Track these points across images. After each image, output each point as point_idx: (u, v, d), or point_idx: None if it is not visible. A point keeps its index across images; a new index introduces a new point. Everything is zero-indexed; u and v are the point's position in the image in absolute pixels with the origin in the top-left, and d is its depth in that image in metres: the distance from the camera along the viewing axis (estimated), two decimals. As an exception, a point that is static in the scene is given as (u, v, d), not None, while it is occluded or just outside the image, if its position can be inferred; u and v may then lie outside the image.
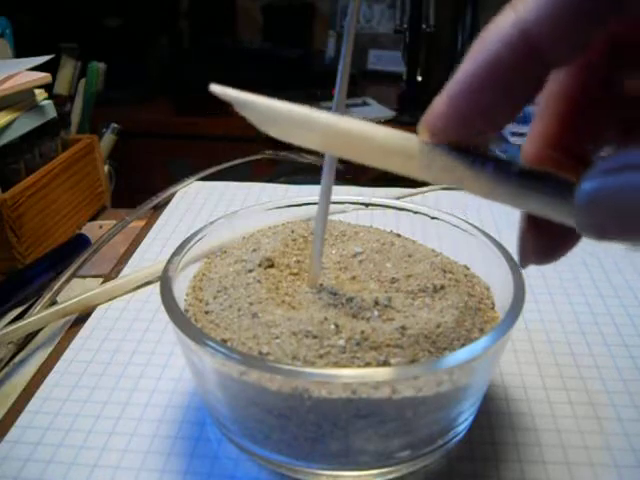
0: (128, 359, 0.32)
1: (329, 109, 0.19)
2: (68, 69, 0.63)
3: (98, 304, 0.37)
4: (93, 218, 0.53)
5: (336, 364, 0.22)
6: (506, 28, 0.15)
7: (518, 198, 0.16)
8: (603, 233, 0.15)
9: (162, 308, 0.24)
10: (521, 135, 0.86)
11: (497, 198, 0.17)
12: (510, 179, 0.16)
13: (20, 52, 0.57)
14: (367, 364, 0.22)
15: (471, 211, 0.47)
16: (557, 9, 0.14)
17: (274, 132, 0.17)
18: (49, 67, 0.48)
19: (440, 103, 0.16)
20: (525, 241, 0.19)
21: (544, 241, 0.19)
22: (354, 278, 0.27)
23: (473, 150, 0.17)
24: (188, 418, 0.28)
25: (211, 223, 0.31)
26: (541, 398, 0.29)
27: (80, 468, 0.26)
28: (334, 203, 0.28)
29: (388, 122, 1.19)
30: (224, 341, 0.23)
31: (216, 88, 0.17)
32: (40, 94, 0.47)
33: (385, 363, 0.22)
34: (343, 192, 0.33)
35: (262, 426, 0.23)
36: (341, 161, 0.21)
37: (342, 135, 0.17)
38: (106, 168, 0.61)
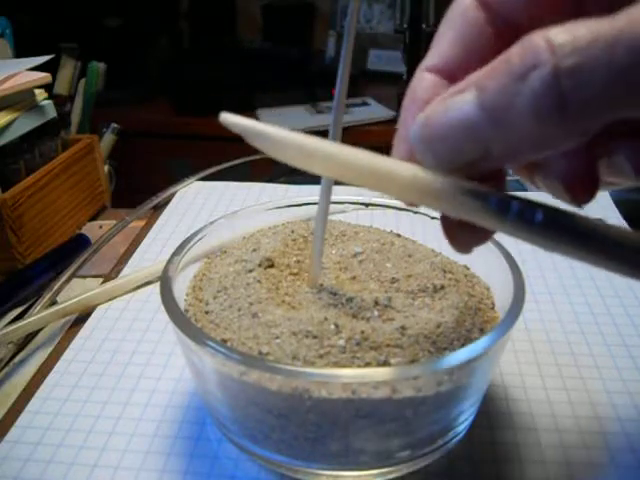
0: (128, 359, 0.32)
1: (329, 109, 0.20)
2: (68, 69, 0.63)
3: (98, 304, 0.37)
4: (93, 218, 0.53)
5: (336, 364, 0.22)
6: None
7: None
8: (437, 157, 0.15)
9: (162, 308, 0.24)
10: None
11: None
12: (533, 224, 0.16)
13: (20, 52, 0.57)
14: (367, 364, 0.22)
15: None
16: None
17: (288, 160, 0.17)
18: (49, 67, 0.48)
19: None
20: (447, 226, 0.19)
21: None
22: (354, 278, 0.27)
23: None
24: (188, 418, 0.28)
25: (211, 223, 0.31)
26: (541, 398, 0.29)
27: (80, 468, 0.26)
28: (334, 203, 0.28)
29: (388, 122, 1.19)
30: (224, 341, 0.23)
31: (227, 118, 0.16)
32: (40, 94, 0.47)
33: (385, 363, 0.22)
34: (343, 192, 0.33)
35: (262, 426, 0.23)
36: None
37: (353, 167, 0.17)
38: (106, 168, 0.61)
